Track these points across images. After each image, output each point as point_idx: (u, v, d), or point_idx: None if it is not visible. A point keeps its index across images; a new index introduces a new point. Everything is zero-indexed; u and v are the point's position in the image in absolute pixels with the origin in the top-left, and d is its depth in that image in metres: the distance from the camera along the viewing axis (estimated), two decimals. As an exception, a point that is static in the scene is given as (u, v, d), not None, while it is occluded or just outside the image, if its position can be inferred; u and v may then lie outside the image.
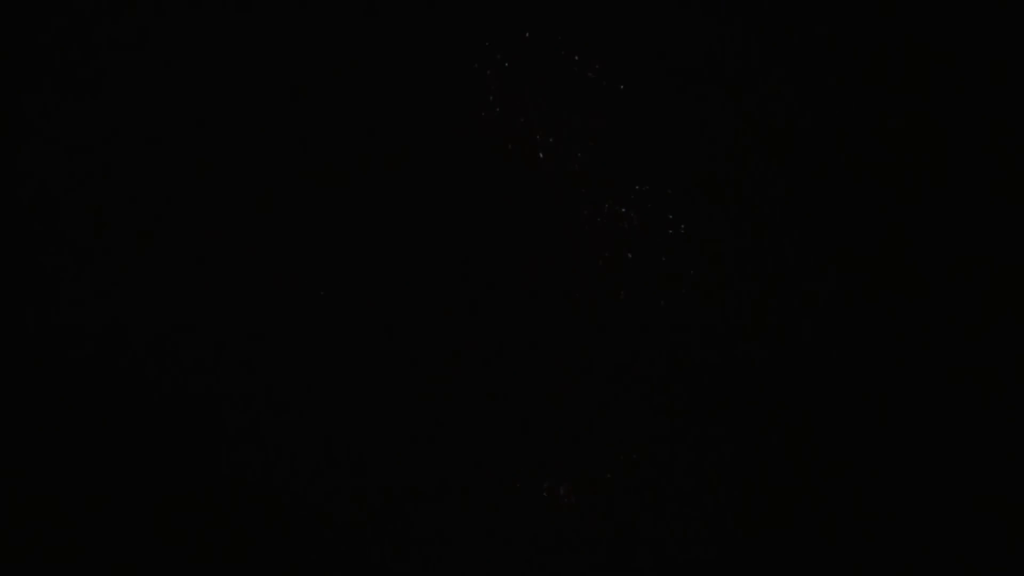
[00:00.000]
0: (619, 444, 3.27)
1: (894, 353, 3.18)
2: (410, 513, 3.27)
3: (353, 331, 3.32)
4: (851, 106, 3.21)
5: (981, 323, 3.15)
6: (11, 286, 3.26)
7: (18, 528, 3.19)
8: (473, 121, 3.30)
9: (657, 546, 3.21)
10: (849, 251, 3.21)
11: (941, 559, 3.11)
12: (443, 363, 3.31)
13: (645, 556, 3.22)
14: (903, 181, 3.20)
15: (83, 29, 3.30)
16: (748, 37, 3.23)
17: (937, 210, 3.19)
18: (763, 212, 3.24)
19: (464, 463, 3.29)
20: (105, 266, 3.29)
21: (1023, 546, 3.07)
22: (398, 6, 3.30)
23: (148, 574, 3.20)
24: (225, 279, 3.31)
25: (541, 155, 3.30)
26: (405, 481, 3.28)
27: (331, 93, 3.32)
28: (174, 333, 3.29)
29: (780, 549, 3.19)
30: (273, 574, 3.23)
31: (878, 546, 3.14)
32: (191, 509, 3.24)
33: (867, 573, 3.13)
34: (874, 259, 3.20)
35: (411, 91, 3.31)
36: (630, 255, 3.29)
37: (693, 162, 3.27)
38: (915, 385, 3.17)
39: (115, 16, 3.30)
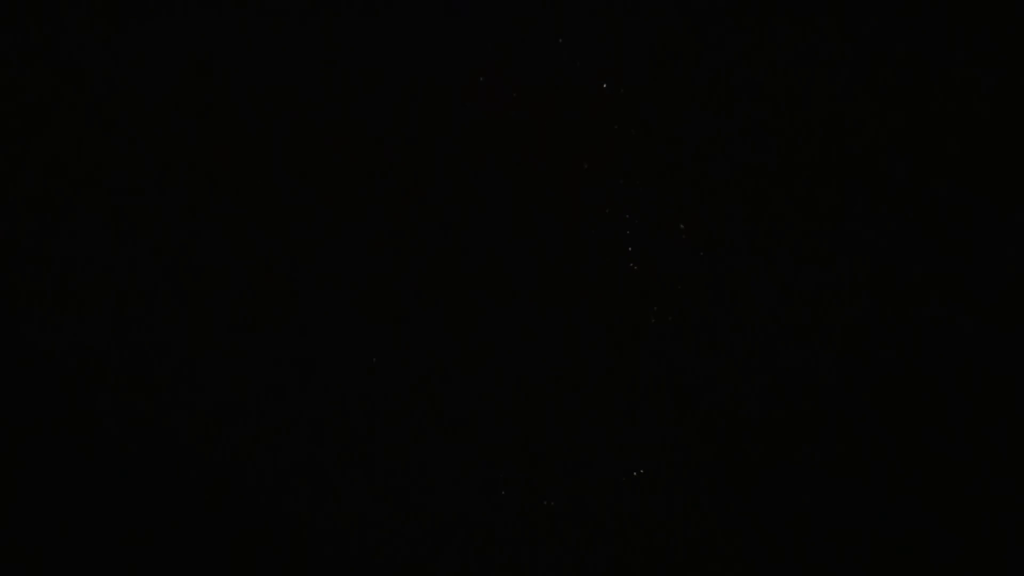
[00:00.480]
0: (618, 446, 3.27)
1: (905, 358, 3.19)
2: (407, 515, 3.28)
3: (346, 333, 3.30)
4: (854, 107, 3.16)
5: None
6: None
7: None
8: (472, 123, 3.27)
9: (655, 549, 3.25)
10: (854, 254, 3.19)
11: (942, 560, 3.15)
12: (438, 363, 3.30)
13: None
14: (907, 183, 3.17)
15: (78, 28, 3.23)
16: (751, 37, 3.18)
17: (946, 215, 3.18)
18: (765, 214, 3.21)
19: (461, 465, 3.30)
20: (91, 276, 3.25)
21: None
22: (397, 8, 3.26)
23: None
24: (222, 282, 3.29)
25: (541, 157, 3.28)
26: (403, 482, 3.29)
27: (326, 96, 3.29)
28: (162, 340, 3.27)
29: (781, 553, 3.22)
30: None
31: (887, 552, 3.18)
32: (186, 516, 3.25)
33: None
34: (884, 262, 3.19)
35: (408, 92, 3.28)
36: (632, 264, 3.28)
37: (694, 163, 3.23)
38: (921, 389, 3.18)
39: (112, 14, 3.23)
